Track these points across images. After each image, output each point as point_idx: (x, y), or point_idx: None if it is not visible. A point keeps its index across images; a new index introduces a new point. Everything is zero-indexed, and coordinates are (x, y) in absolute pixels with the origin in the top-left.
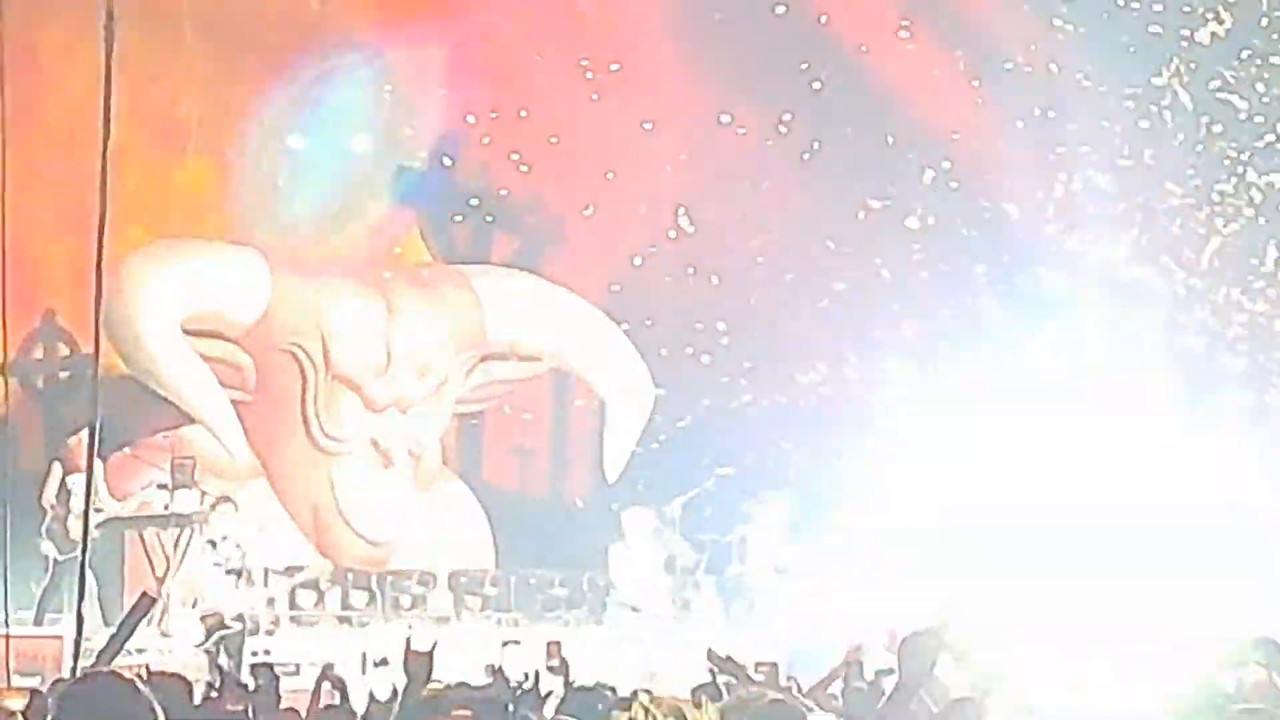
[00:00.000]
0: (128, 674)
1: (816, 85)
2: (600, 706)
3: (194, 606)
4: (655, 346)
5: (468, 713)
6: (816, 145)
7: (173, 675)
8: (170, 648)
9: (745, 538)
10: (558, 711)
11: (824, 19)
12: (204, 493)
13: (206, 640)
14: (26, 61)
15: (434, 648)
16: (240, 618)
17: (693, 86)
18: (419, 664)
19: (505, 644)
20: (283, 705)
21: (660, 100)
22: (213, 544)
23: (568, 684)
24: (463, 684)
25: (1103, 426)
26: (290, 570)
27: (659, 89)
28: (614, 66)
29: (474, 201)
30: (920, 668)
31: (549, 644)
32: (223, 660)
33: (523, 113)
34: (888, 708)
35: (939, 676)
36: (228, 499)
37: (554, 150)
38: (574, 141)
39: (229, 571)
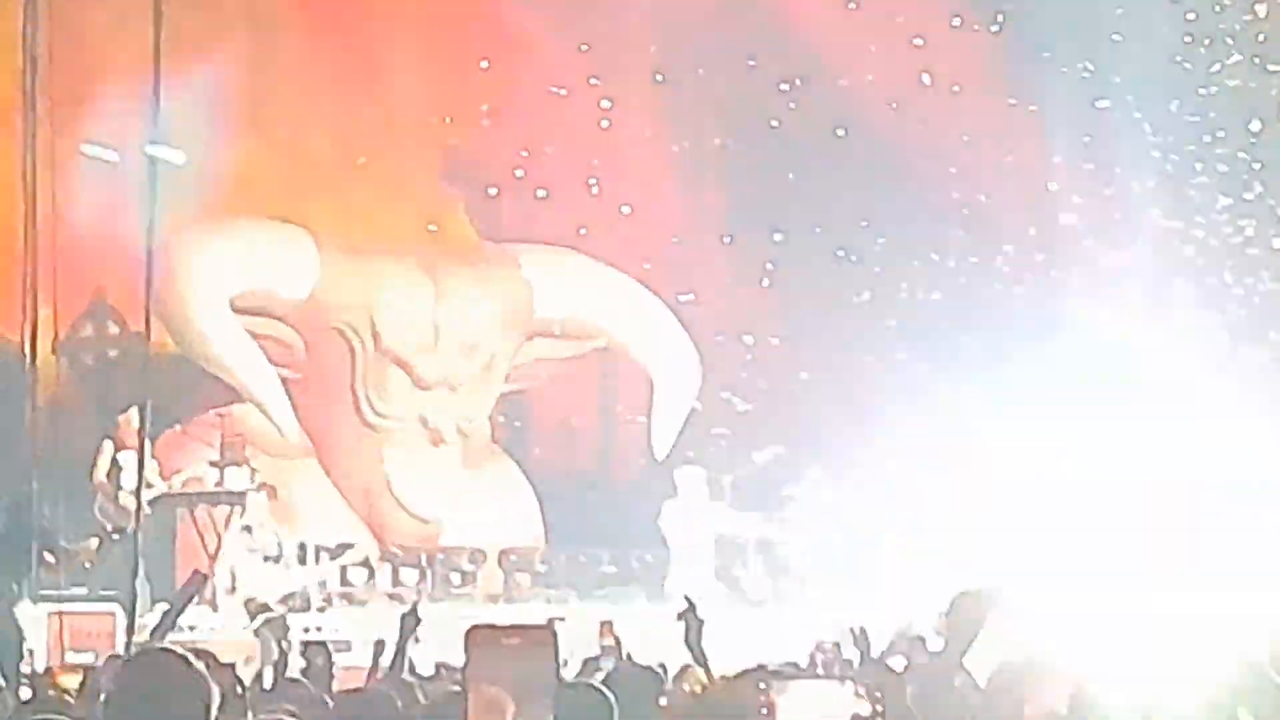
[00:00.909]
0: (180, 650)
1: None
2: (652, 684)
3: (232, 592)
4: (705, 328)
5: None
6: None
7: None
8: (215, 626)
9: (792, 517)
10: (609, 686)
11: None
12: (254, 470)
13: (252, 623)
14: (75, 42)
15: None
16: (290, 597)
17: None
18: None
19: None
20: (336, 683)
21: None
22: (249, 530)
23: (620, 660)
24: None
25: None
26: (341, 548)
27: None
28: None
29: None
30: (970, 625)
31: (601, 624)
32: (272, 643)
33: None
34: (937, 665)
35: (986, 641)
36: (266, 485)
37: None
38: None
39: (266, 558)
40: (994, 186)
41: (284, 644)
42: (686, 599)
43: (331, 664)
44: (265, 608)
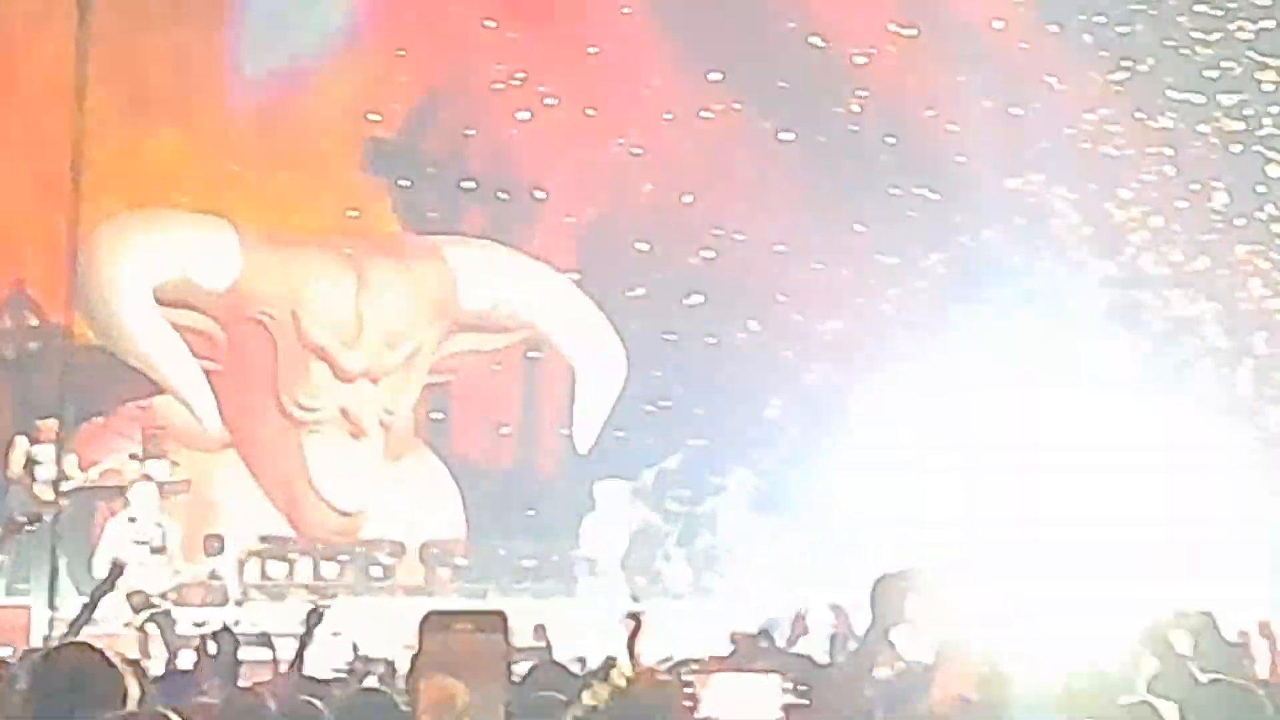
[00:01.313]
0: (97, 645)
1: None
2: (571, 681)
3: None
4: (628, 319)
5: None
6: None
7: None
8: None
9: (716, 510)
10: (530, 685)
11: None
12: (174, 463)
13: (135, 617)
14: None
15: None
16: (181, 590)
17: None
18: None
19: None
20: (242, 677)
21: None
22: (132, 520)
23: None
24: None
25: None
26: (262, 541)
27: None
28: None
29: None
30: (890, 609)
31: (536, 626)
32: (159, 636)
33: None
34: (858, 654)
35: (905, 626)
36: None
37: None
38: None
39: (154, 550)
40: None
41: (170, 638)
42: (633, 604)
43: (237, 655)
44: (148, 602)
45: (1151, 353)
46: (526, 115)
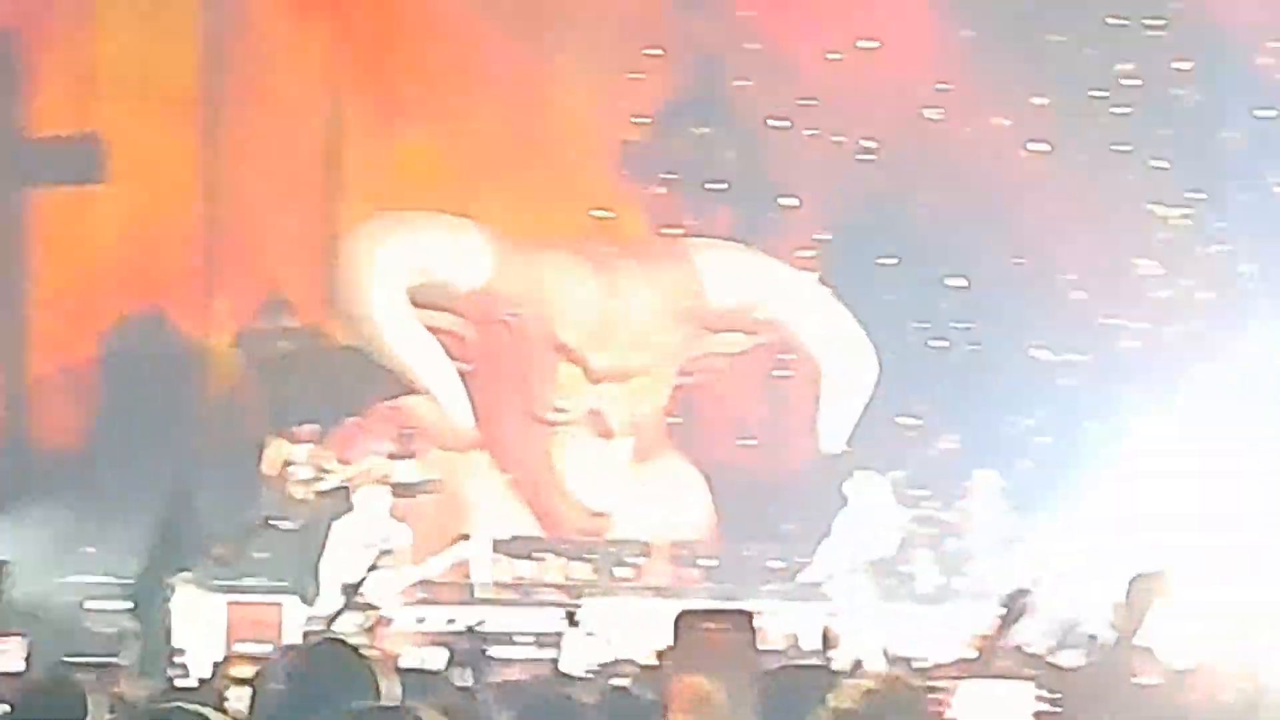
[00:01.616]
0: (350, 642)
1: None
2: (820, 681)
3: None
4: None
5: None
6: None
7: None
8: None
9: (968, 511)
10: (779, 684)
11: None
12: (426, 463)
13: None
14: (253, 41)
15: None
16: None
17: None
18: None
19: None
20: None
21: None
22: (362, 522)
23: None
24: None
25: None
26: (513, 540)
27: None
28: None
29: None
30: (1142, 607)
31: (824, 628)
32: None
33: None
34: (1112, 655)
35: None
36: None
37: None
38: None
39: (383, 552)
40: None
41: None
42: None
43: (485, 653)
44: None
45: None
46: (785, 124)
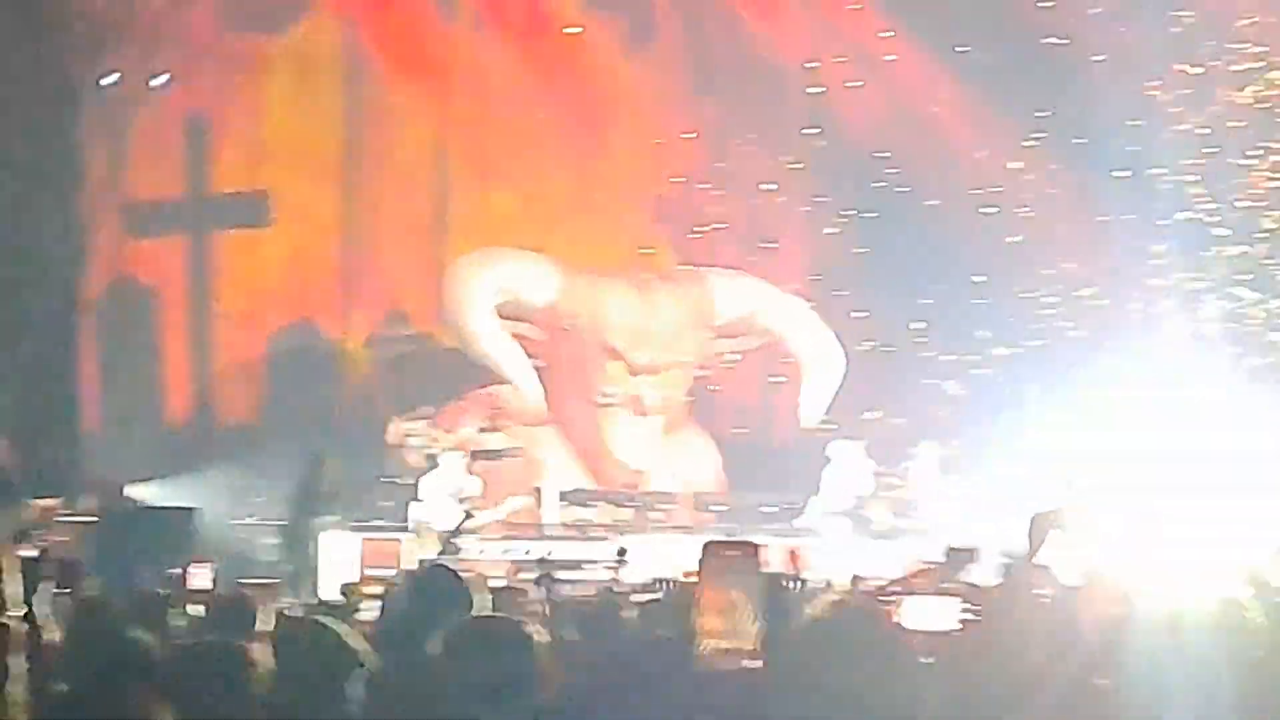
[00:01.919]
0: (452, 567)
1: None
2: (803, 596)
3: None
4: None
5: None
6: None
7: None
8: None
9: (913, 472)
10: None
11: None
12: (511, 435)
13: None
14: (383, 116)
15: None
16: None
17: None
18: None
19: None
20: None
21: None
22: (443, 478)
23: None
24: None
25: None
26: (573, 492)
27: None
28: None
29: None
30: (1039, 541)
31: (790, 551)
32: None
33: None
34: (1014, 579)
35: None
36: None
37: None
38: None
39: (460, 501)
40: None
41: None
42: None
43: (554, 577)
44: (449, 542)
45: None
46: (772, 186)
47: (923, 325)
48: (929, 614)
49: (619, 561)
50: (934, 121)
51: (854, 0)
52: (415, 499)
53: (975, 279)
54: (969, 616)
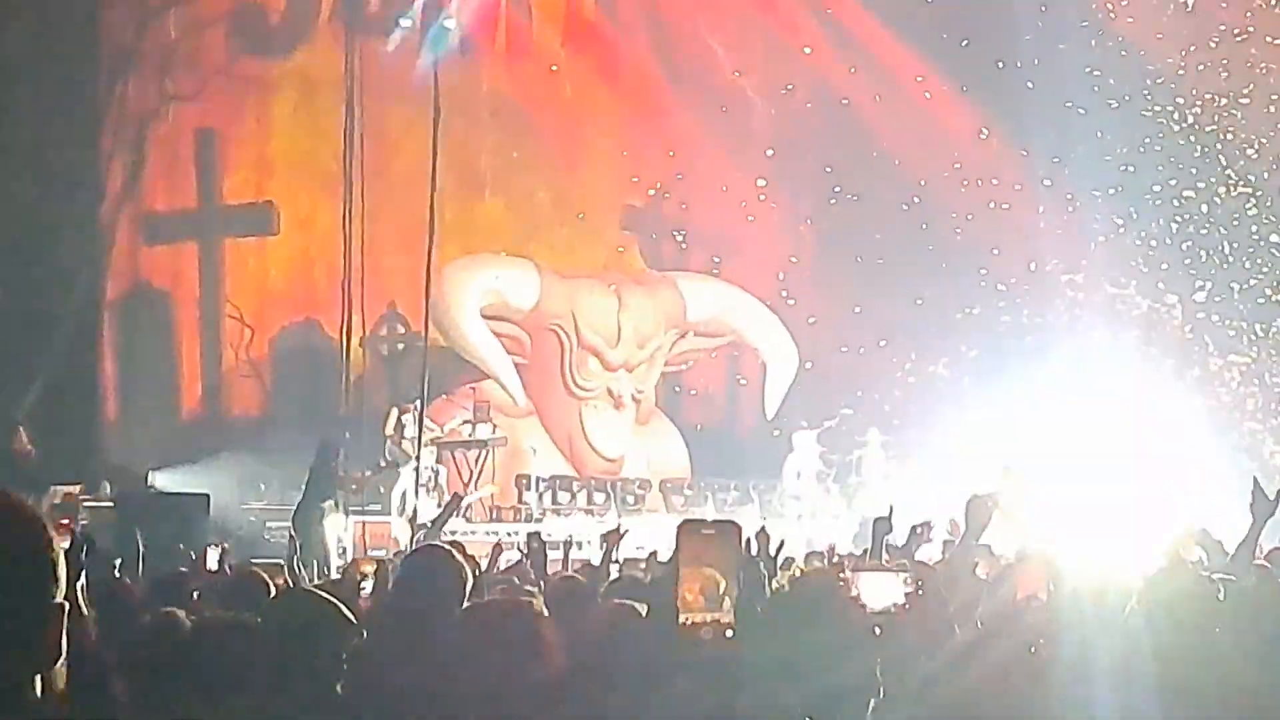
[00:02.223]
0: (445, 546)
1: None
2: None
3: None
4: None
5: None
6: None
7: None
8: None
9: (862, 457)
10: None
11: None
12: (495, 425)
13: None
14: (379, 133)
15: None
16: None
17: None
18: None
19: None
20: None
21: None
22: (419, 470)
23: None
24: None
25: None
26: (553, 478)
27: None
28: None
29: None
30: (978, 522)
31: (759, 529)
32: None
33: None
34: (957, 551)
35: (992, 539)
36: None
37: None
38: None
39: (429, 491)
40: None
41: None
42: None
43: (545, 554)
44: (423, 526)
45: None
46: (725, 188)
47: (873, 327)
48: (880, 588)
49: (616, 535)
50: (891, 140)
51: (807, 43)
52: (404, 486)
53: (924, 294)
54: (915, 591)
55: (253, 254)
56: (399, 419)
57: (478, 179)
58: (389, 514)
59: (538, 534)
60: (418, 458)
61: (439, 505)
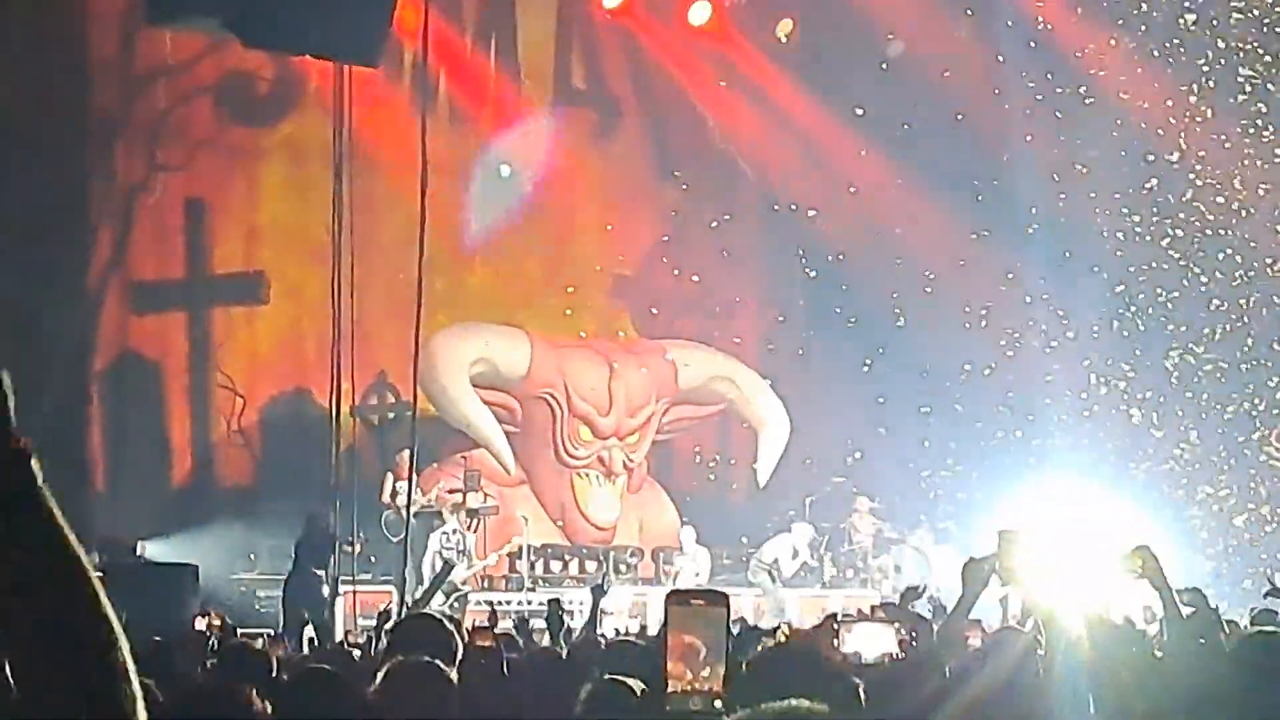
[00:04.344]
0: (437, 615)
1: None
2: (759, 637)
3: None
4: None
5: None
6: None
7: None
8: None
9: (853, 524)
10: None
11: None
12: (486, 495)
13: (450, 599)
14: (366, 204)
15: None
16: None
17: None
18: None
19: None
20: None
21: None
22: (446, 535)
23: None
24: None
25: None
26: (544, 547)
27: None
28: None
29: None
30: (975, 586)
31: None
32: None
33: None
34: (951, 619)
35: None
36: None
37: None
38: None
39: (459, 552)
40: None
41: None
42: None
43: (562, 620)
44: (456, 588)
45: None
46: (727, 266)
47: (866, 393)
48: (870, 638)
49: (601, 591)
50: (884, 213)
51: (801, 113)
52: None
53: (914, 358)
54: (907, 639)
55: (243, 323)
56: (394, 485)
57: (467, 250)
58: (389, 582)
59: (557, 600)
60: (407, 526)
61: (468, 568)
